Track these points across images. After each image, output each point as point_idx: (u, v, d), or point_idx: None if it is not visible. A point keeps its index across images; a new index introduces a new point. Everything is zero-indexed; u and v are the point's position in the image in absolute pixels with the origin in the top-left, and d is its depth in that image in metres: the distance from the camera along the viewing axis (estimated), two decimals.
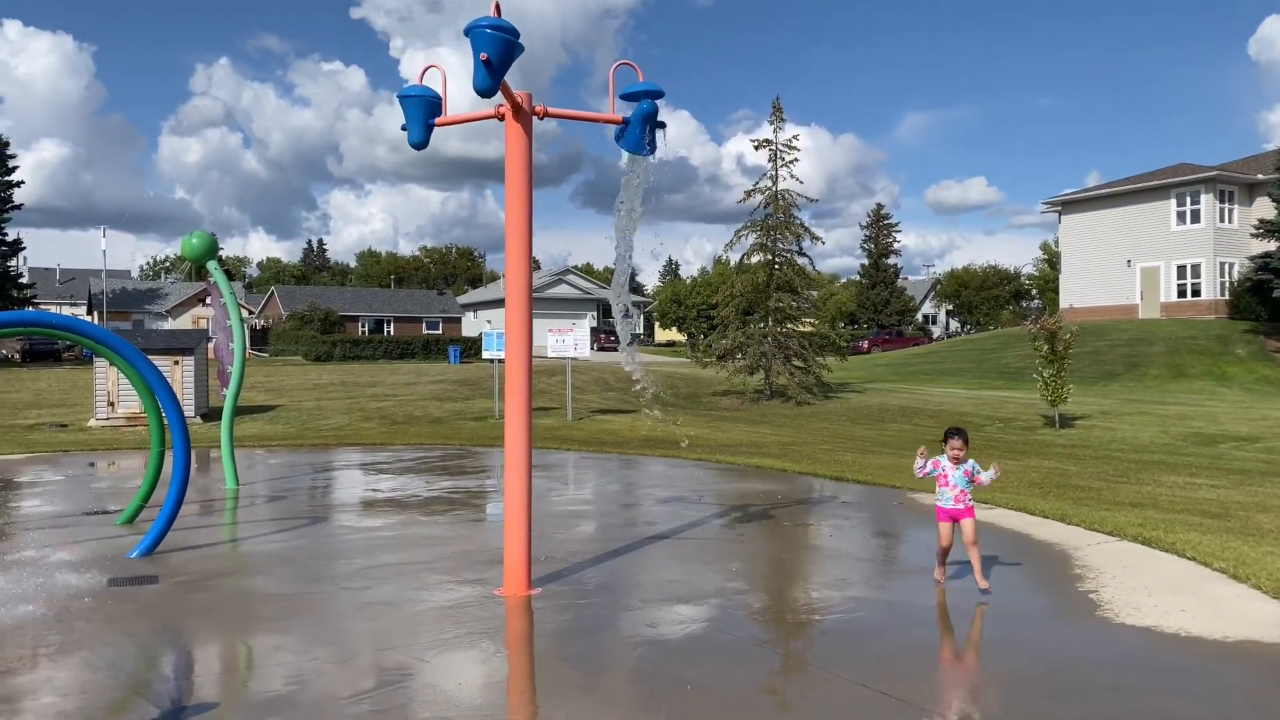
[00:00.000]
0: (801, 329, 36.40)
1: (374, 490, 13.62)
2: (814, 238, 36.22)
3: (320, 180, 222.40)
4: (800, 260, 35.96)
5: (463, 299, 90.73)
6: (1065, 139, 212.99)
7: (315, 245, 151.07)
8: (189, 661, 6.23)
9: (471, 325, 79.31)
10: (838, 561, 8.79)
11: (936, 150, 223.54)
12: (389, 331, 77.19)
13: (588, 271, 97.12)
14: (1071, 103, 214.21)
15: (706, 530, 10.19)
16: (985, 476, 7.49)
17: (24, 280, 61.87)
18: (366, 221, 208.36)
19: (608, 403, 31.36)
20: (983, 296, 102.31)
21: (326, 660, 5.84)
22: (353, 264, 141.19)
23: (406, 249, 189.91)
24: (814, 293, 38.41)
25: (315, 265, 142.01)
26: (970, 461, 7.52)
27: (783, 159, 35.63)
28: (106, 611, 6.98)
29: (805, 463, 16.30)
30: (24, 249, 60.31)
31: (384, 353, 62.43)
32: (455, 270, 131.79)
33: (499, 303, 71.08)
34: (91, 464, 16.86)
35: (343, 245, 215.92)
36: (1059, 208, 56.78)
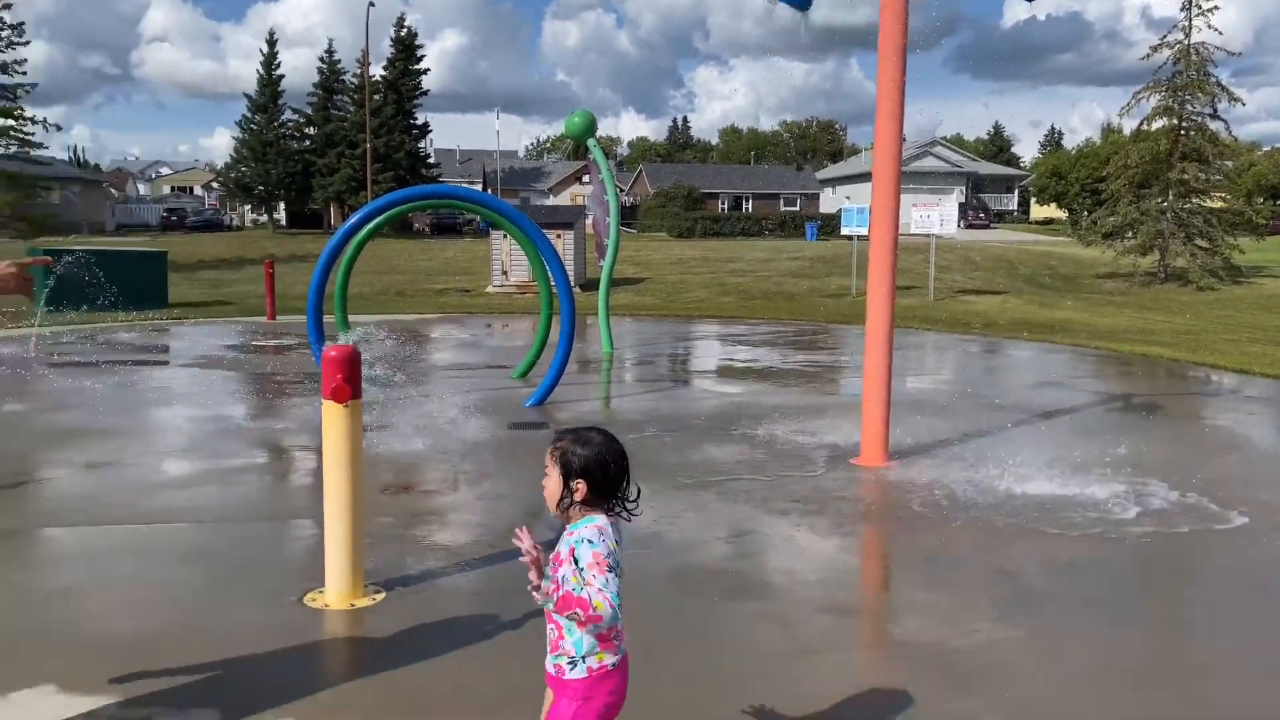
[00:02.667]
0: (1210, 204, 32.07)
1: (731, 359, 14.11)
2: (1233, 99, 31.39)
3: (686, 57, 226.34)
4: (1213, 125, 31.45)
5: (821, 174, 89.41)
6: None
7: (680, 123, 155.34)
8: None
9: (829, 201, 78.15)
10: (1232, 455, 7.89)
11: None
12: (747, 208, 78.18)
13: (957, 143, 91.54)
14: None
15: (1083, 418, 9.53)
16: None
17: (431, 160, 69.37)
18: (729, 98, 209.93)
19: (974, 283, 29.84)
20: None
21: (682, 511, 6.26)
22: (714, 141, 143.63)
23: (767, 124, 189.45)
24: (1228, 163, 33.51)
25: (679, 143, 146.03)
26: None
27: (1199, 7, 30.92)
28: (507, 450, 7.94)
29: (1202, 353, 14.61)
30: (430, 132, 67.45)
31: (742, 229, 63.50)
32: (815, 145, 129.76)
33: (860, 178, 69.25)
34: (488, 325, 18.95)
35: (706, 122, 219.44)
36: None
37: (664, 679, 3.82)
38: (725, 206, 78.41)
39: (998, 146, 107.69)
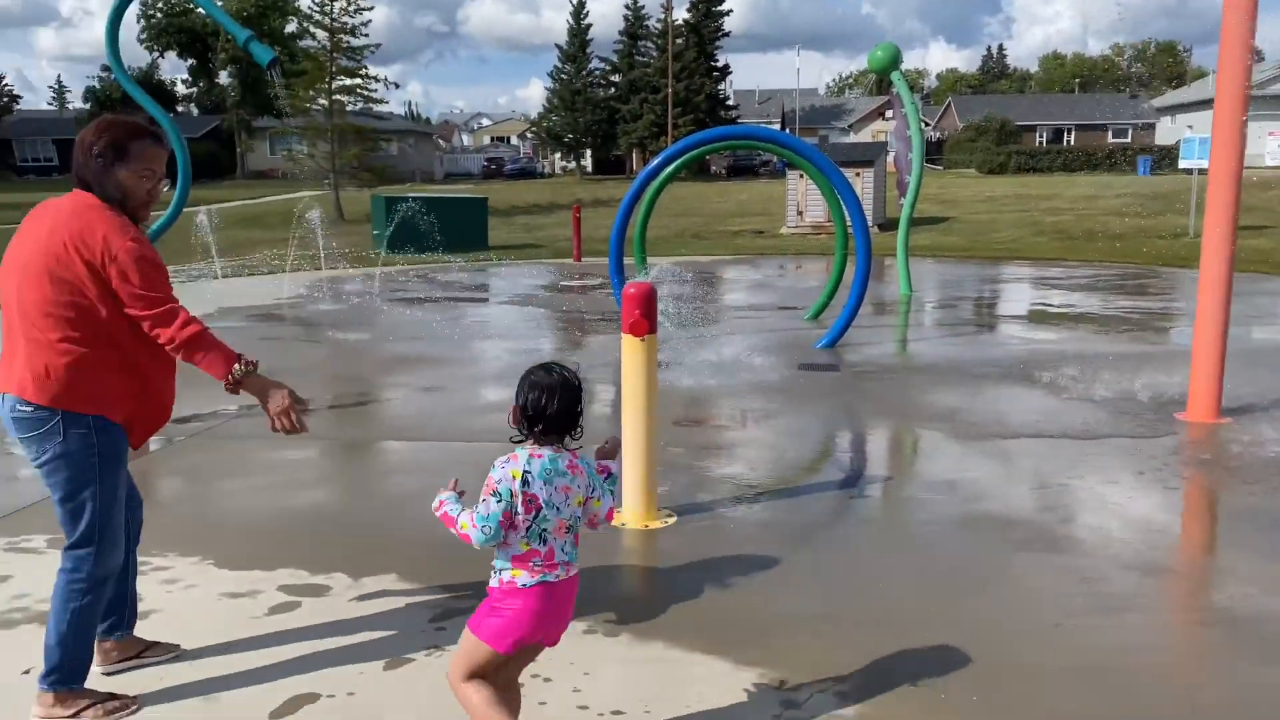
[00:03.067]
0: None
1: (1042, 304, 13.24)
2: None
3: None
4: None
5: (1158, 102, 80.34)
6: None
7: (994, 52, 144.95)
8: (861, 437, 6.91)
9: (1167, 132, 70.19)
10: None
11: None
12: (1069, 141, 72.01)
13: None
14: None
15: None
16: None
17: (730, 102, 69.66)
18: (1052, 20, 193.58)
19: None
20: None
21: (976, 460, 6.01)
22: (1033, 69, 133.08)
23: (1095, 48, 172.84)
24: None
25: (993, 73, 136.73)
26: None
27: None
28: (796, 390, 7.99)
29: None
30: (730, 73, 67.67)
31: (1062, 164, 58.66)
32: (1152, 70, 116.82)
33: (1204, 104, 61.53)
34: (781, 266, 18.95)
35: (1024, 49, 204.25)
36: None
37: (942, 624, 3.76)
38: (1043, 140, 72.81)
39: None
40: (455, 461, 6.13)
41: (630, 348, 4.81)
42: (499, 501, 2.60)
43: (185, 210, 14.00)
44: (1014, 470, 5.76)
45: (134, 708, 3.14)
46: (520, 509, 2.59)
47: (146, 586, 4.18)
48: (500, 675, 2.75)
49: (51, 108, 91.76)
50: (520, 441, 2.71)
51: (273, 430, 3.14)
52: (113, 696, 3.15)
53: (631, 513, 4.91)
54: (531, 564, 2.63)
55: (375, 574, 4.27)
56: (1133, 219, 27.61)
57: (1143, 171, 50.30)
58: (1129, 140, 70.05)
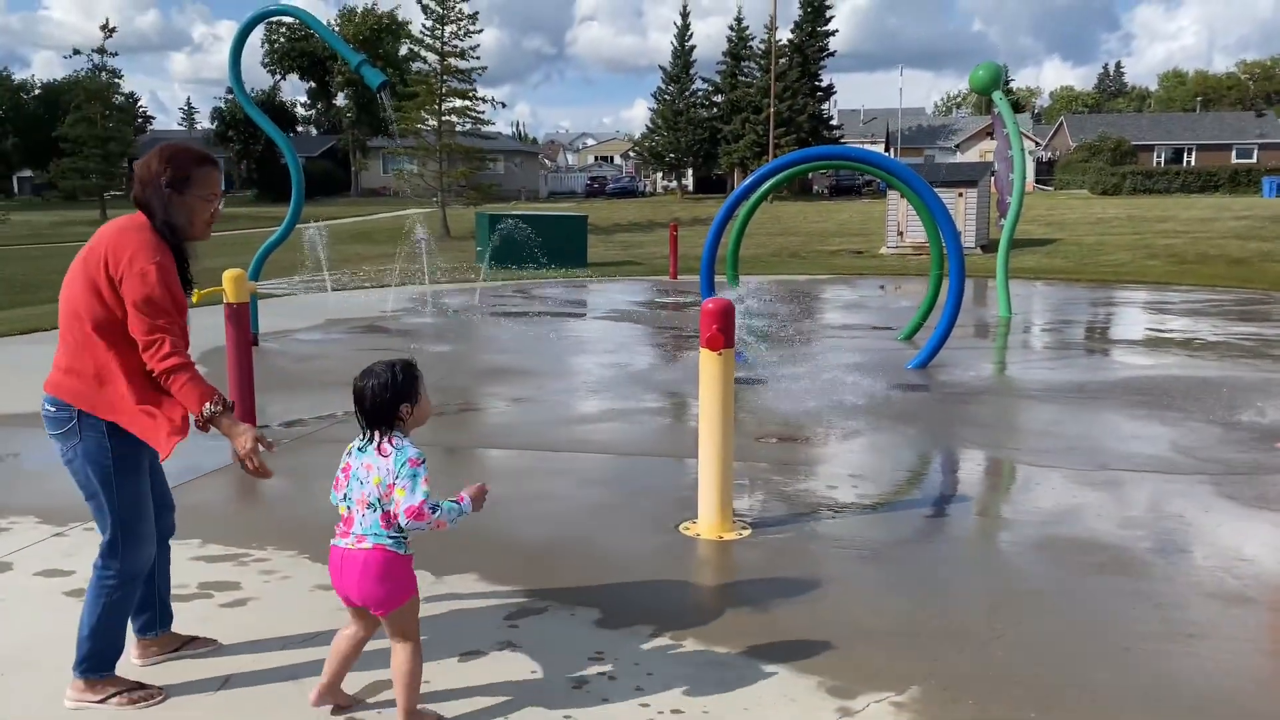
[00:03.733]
0: None
1: (1149, 329, 12.83)
2: None
3: None
4: None
5: None
6: None
7: (1111, 70, 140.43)
8: (945, 459, 6.85)
9: None
10: None
11: None
12: (1189, 161, 69.21)
13: None
14: None
15: None
16: None
17: (834, 122, 69.17)
18: (1175, 37, 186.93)
19: None
20: None
21: (1069, 490, 5.91)
22: (1153, 87, 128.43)
23: (1221, 65, 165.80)
24: None
25: (1110, 91, 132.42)
26: None
27: None
28: (884, 409, 7.95)
29: None
30: (834, 93, 67.28)
31: (1180, 185, 56.40)
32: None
33: None
34: (881, 286, 18.77)
35: (1144, 67, 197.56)
36: None
37: (1009, 642, 3.75)
38: (1161, 160, 70.16)
39: None
40: (541, 470, 6.33)
41: (708, 361, 4.93)
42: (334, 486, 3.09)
43: (299, 227, 14.69)
44: (1101, 496, 5.65)
45: (160, 698, 3.34)
46: (340, 476, 3.05)
47: (246, 576, 4.47)
48: (361, 626, 3.15)
49: (181, 128, 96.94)
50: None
51: (243, 469, 3.27)
52: (140, 685, 3.35)
53: (706, 524, 5.01)
54: (339, 527, 3.03)
55: (457, 573, 4.46)
56: (1253, 242, 26.42)
57: (1269, 194, 47.99)
58: (1254, 160, 66.91)
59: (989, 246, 25.80)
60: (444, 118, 34.88)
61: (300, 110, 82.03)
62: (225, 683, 3.45)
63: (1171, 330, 12.52)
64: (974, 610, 4.09)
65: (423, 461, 2.96)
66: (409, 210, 37.75)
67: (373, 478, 2.95)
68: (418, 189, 35.71)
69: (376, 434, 3.00)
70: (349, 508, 3.01)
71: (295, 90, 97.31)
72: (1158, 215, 34.89)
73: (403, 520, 2.91)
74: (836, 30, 65.43)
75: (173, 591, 3.72)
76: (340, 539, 3.01)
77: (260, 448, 3.22)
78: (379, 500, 2.94)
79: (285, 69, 75.46)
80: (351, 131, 69.74)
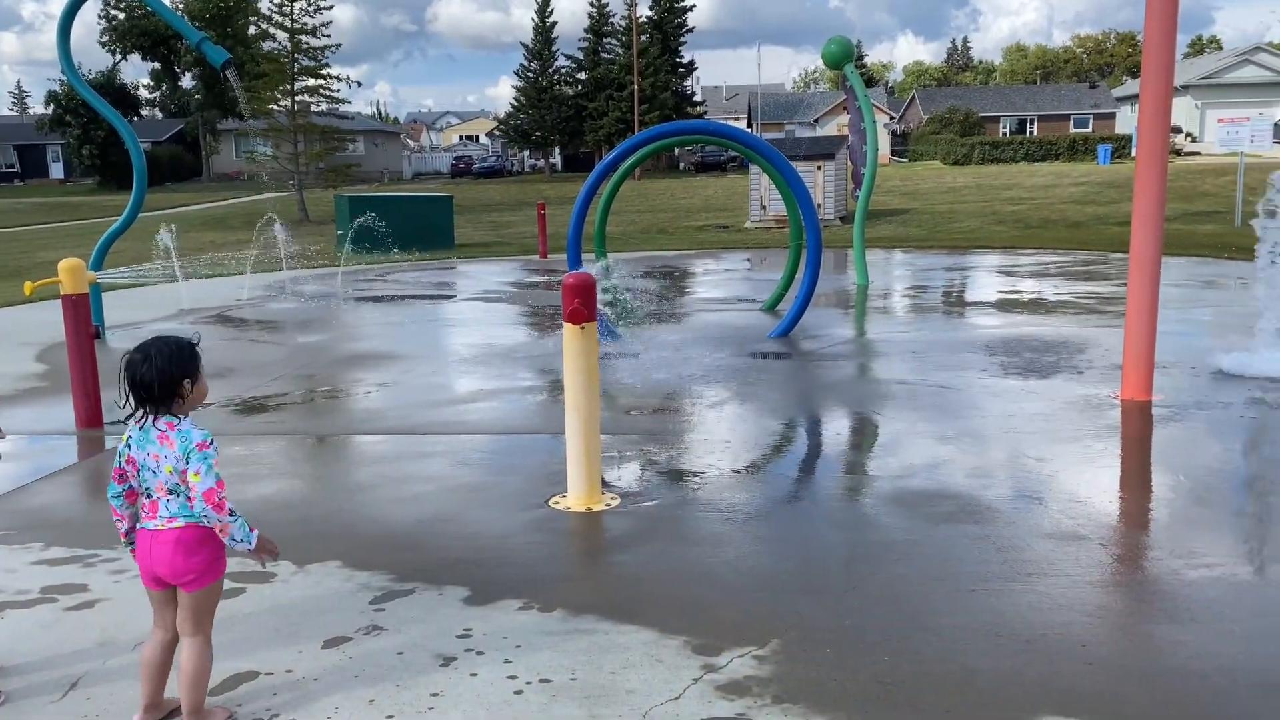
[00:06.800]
0: None
1: (995, 291, 13.50)
2: None
3: None
4: None
5: (1118, 91, 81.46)
6: None
7: (959, 45, 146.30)
8: (806, 421, 7.07)
9: (1127, 121, 71.18)
10: None
11: None
12: (1031, 131, 72.78)
13: None
14: None
15: None
16: None
17: (697, 98, 69.91)
18: (1018, 12, 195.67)
19: None
20: None
21: (924, 445, 6.20)
22: (998, 61, 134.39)
23: (1060, 39, 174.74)
24: None
25: (958, 65, 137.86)
26: None
27: None
28: (747, 377, 8.14)
29: None
30: (696, 69, 67.93)
31: (1024, 154, 59.30)
32: (1112, 59, 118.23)
33: None
34: (747, 260, 19.13)
35: (990, 41, 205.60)
36: None
37: (865, 590, 3.93)
38: (1007, 131, 73.60)
39: None
40: (408, 454, 6.24)
41: (571, 335, 4.94)
42: (115, 463, 2.97)
43: (145, 216, 13.97)
44: (953, 450, 5.94)
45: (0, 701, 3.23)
46: (128, 469, 2.95)
47: (94, 578, 4.27)
48: (165, 627, 3.05)
49: (13, 112, 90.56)
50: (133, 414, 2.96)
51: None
52: None
53: (575, 496, 5.04)
54: (143, 513, 2.97)
55: (320, 561, 4.38)
56: (1090, 206, 28.05)
57: (1103, 160, 50.98)
58: (1089, 130, 70.94)
59: (847, 218, 26.59)
60: (297, 98, 33.67)
61: (144, 93, 77.76)
62: (73, 686, 3.30)
63: (1015, 291, 13.19)
64: (832, 564, 4.26)
65: (211, 443, 2.90)
66: (265, 195, 36.36)
67: (164, 467, 2.89)
68: (273, 172, 34.40)
69: (152, 416, 2.91)
70: (150, 495, 2.93)
71: (138, 71, 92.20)
72: (1004, 183, 36.61)
73: (199, 506, 2.84)
74: (694, 5, 66.03)
75: (12, 598, 3.53)
76: (148, 521, 2.95)
77: None
78: (179, 485, 2.88)
79: (126, 49, 71.17)
80: (200, 114, 66.49)
